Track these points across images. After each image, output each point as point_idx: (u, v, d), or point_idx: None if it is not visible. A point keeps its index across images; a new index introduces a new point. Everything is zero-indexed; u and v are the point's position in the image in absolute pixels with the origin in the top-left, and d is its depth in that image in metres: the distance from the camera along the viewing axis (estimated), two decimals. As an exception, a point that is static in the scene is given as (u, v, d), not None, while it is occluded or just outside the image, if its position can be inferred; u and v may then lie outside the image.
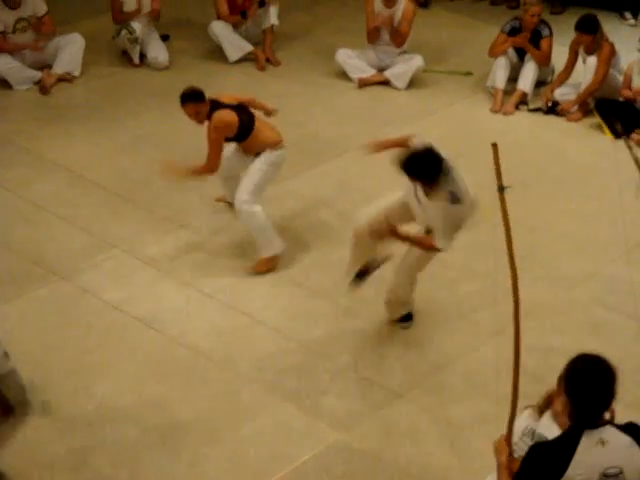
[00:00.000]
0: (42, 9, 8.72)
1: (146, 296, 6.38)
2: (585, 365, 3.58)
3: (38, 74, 8.72)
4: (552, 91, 8.60)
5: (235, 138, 6.51)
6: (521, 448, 4.12)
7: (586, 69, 8.39)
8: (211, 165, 6.39)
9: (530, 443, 4.00)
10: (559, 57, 8.84)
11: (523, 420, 4.28)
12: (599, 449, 3.52)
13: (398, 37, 8.85)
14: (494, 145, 4.59)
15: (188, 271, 6.61)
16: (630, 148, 5.56)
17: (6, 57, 8.61)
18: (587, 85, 8.35)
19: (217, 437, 5.42)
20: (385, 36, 8.93)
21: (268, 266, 6.62)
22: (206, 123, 6.42)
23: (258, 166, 6.55)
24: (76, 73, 8.85)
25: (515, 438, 4.24)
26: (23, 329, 6.11)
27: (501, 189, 4.64)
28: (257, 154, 6.57)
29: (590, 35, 8.35)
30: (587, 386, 3.53)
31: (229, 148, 6.67)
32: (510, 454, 3.88)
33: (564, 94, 8.63)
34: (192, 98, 6.40)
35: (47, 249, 6.80)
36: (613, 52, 8.37)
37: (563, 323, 6.27)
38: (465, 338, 6.13)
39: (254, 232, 6.61)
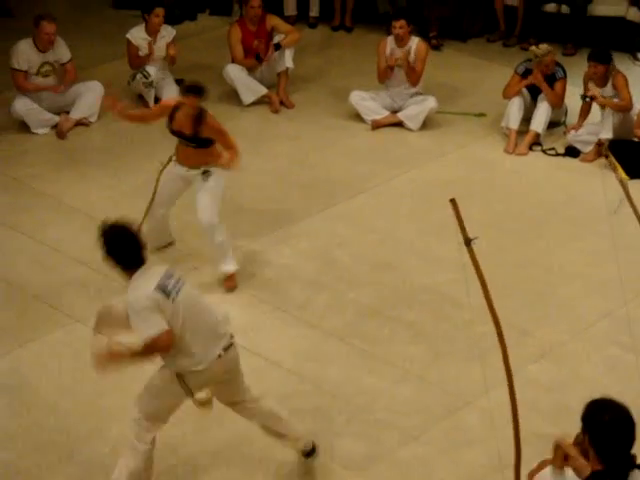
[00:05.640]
0: (67, 56, 8.83)
1: (161, 338, 6.38)
2: (609, 417, 3.55)
3: (55, 118, 8.80)
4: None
5: (205, 141, 6.70)
6: None
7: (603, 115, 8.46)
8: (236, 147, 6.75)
9: None
10: (572, 98, 8.87)
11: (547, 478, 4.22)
12: None
13: (413, 75, 8.90)
14: (452, 200, 4.54)
15: (203, 313, 6.61)
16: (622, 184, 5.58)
17: (25, 100, 8.70)
18: (617, 102, 8.39)
19: (234, 476, 5.40)
20: (398, 77, 8.97)
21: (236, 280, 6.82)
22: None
23: (214, 184, 6.75)
24: (93, 119, 8.93)
25: None
26: (38, 372, 6.12)
27: (468, 242, 4.52)
28: (205, 171, 6.74)
29: (604, 65, 8.40)
30: (614, 441, 3.52)
31: (168, 174, 6.85)
32: None
33: (578, 135, 8.65)
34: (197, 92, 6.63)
35: (63, 292, 6.82)
36: (626, 80, 8.43)
37: (578, 363, 6.24)
38: (481, 379, 6.09)
39: (224, 248, 6.79)
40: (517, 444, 4.02)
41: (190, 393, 4.95)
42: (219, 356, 4.95)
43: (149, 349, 4.80)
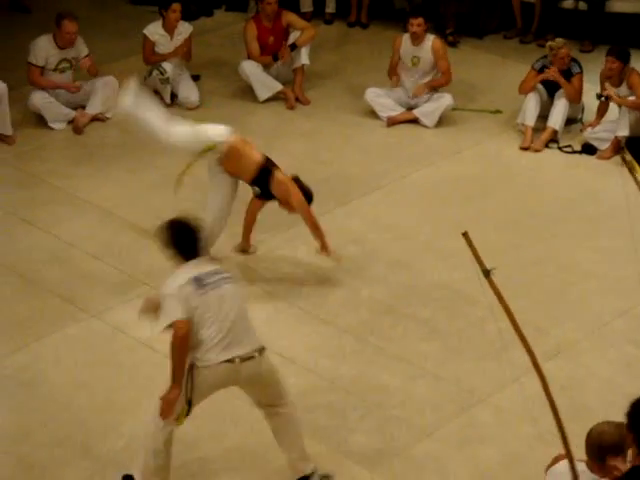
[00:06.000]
0: (84, 51, 8.87)
1: (176, 334, 6.40)
2: None
3: (72, 113, 8.83)
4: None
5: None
6: None
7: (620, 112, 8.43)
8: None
9: None
10: (589, 95, 8.84)
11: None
12: None
13: (442, 77, 8.92)
14: (465, 234, 4.45)
15: (218, 309, 6.62)
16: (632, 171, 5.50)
17: (43, 93, 8.75)
18: (633, 101, 8.35)
19: (247, 475, 5.41)
20: (414, 75, 8.97)
21: None
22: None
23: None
24: (109, 114, 8.95)
25: None
26: (54, 367, 6.14)
27: (486, 273, 4.41)
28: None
29: (621, 63, 8.38)
30: None
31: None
32: None
33: (594, 132, 8.62)
34: None
35: (78, 287, 6.84)
36: None
37: (594, 362, 6.23)
38: (495, 376, 6.10)
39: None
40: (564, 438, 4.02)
41: (189, 395, 4.93)
42: (229, 361, 4.93)
43: (174, 339, 4.88)
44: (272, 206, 7.61)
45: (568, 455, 4.01)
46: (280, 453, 5.28)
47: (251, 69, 9.27)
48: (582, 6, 10.29)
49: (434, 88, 8.97)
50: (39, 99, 8.71)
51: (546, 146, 8.67)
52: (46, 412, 5.79)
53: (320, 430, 5.63)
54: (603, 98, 8.54)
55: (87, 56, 8.86)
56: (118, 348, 6.29)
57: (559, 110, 8.68)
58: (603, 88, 8.59)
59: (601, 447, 4.14)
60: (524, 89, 8.81)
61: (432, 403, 5.88)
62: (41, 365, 6.15)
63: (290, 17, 9.39)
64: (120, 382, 6.01)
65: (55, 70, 8.77)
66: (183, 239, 5.05)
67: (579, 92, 8.76)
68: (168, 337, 6.30)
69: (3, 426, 5.34)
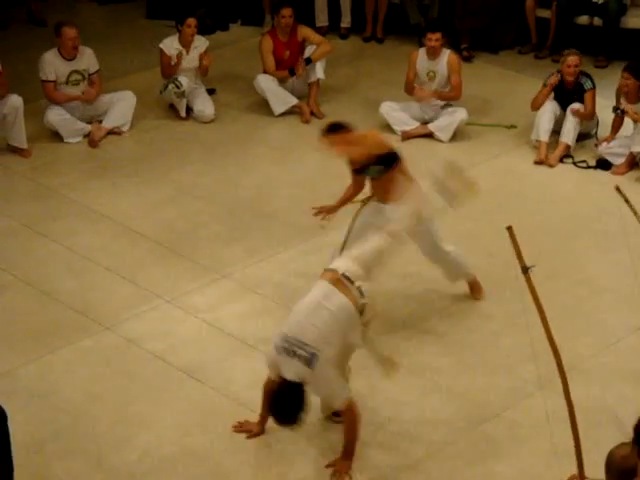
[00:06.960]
0: (95, 67, 8.90)
1: (189, 346, 6.41)
2: None
3: (88, 127, 8.86)
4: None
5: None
6: None
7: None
8: None
9: None
10: (604, 111, 8.83)
11: None
12: None
13: (452, 91, 8.93)
14: (509, 228, 4.47)
15: (231, 322, 6.64)
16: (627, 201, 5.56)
17: (59, 109, 8.77)
18: None
19: (259, 489, 5.41)
20: (429, 89, 8.98)
21: None
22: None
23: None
24: (125, 128, 8.99)
25: None
26: (68, 379, 6.16)
27: (525, 270, 4.46)
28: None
29: (636, 81, 8.38)
30: None
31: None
32: None
33: (609, 147, 8.61)
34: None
35: (92, 299, 6.86)
36: None
37: (608, 377, 6.20)
38: (508, 391, 6.08)
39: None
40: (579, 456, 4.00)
41: None
42: None
43: None
44: (284, 219, 7.64)
45: (580, 474, 3.99)
46: (295, 466, 5.29)
47: (266, 83, 9.30)
48: (597, 22, 10.28)
49: (444, 99, 8.96)
50: (55, 116, 8.75)
51: (560, 161, 8.66)
52: (59, 424, 5.80)
53: (333, 444, 5.62)
54: (619, 111, 8.54)
55: (95, 73, 8.88)
56: (131, 360, 6.30)
57: (571, 125, 8.67)
58: (619, 102, 8.59)
59: (624, 472, 4.11)
60: (536, 104, 8.81)
61: (445, 417, 5.86)
62: (54, 377, 6.17)
63: (306, 31, 9.42)
64: (133, 394, 6.02)
65: (67, 83, 8.81)
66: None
67: (592, 110, 8.74)
68: (181, 350, 6.32)
69: (16, 438, 5.33)
